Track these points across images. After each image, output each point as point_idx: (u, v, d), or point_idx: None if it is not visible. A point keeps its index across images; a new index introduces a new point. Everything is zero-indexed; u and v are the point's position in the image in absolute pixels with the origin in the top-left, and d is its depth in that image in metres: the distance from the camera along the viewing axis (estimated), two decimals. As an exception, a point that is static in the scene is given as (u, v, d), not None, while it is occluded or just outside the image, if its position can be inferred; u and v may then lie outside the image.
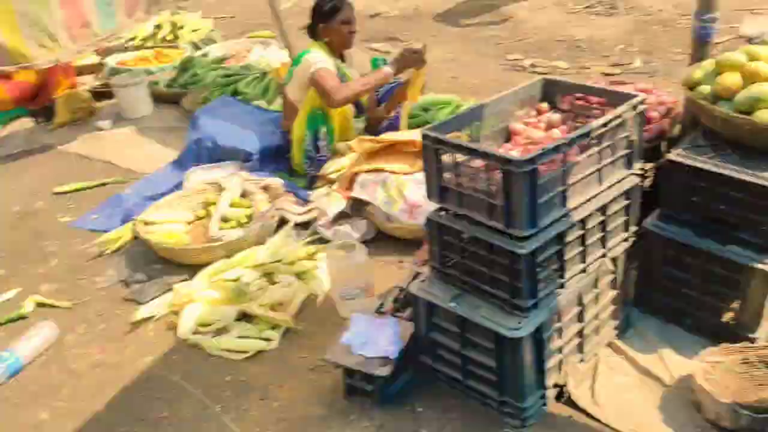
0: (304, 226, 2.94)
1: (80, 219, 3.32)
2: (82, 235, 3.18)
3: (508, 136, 2.13)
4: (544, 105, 2.19)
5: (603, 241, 2.00)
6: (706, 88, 2.08)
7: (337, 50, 3.30)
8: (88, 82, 4.98)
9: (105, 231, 3.15)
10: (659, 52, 4.72)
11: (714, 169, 1.98)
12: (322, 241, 2.85)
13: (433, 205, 1.98)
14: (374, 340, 2.09)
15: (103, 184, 3.63)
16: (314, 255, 2.73)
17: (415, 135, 2.85)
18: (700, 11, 2.64)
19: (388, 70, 3.14)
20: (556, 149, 1.71)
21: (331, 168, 3.15)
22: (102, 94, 4.70)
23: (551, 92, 2.22)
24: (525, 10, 5.86)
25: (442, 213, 1.94)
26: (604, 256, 2.02)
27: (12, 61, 3.55)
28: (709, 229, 2.06)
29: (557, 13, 5.77)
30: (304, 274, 2.63)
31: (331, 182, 3.13)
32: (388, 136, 2.96)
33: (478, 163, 1.77)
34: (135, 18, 4.13)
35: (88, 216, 3.33)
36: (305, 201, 3.08)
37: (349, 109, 3.34)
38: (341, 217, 2.90)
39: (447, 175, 1.86)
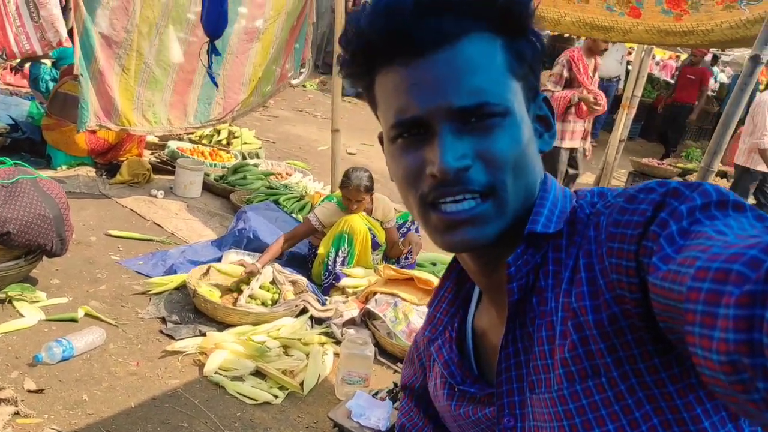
0: (318, 320, 3.52)
1: (128, 261, 3.86)
2: (129, 274, 3.71)
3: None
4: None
5: None
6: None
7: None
8: (146, 155, 5.70)
9: (148, 276, 3.70)
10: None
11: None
12: (330, 335, 3.41)
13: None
14: (369, 414, 2.63)
15: (151, 240, 4.21)
16: (324, 344, 3.29)
17: (429, 276, 3.54)
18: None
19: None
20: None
21: (349, 283, 3.79)
22: (159, 168, 5.41)
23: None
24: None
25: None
26: None
27: (118, 123, 4.26)
28: None
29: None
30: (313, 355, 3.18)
31: (345, 293, 3.75)
32: (409, 271, 3.64)
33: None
34: (224, 119, 4.92)
35: (135, 260, 3.88)
36: (322, 302, 3.68)
37: (369, 241, 4.02)
38: (350, 323, 3.50)
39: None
